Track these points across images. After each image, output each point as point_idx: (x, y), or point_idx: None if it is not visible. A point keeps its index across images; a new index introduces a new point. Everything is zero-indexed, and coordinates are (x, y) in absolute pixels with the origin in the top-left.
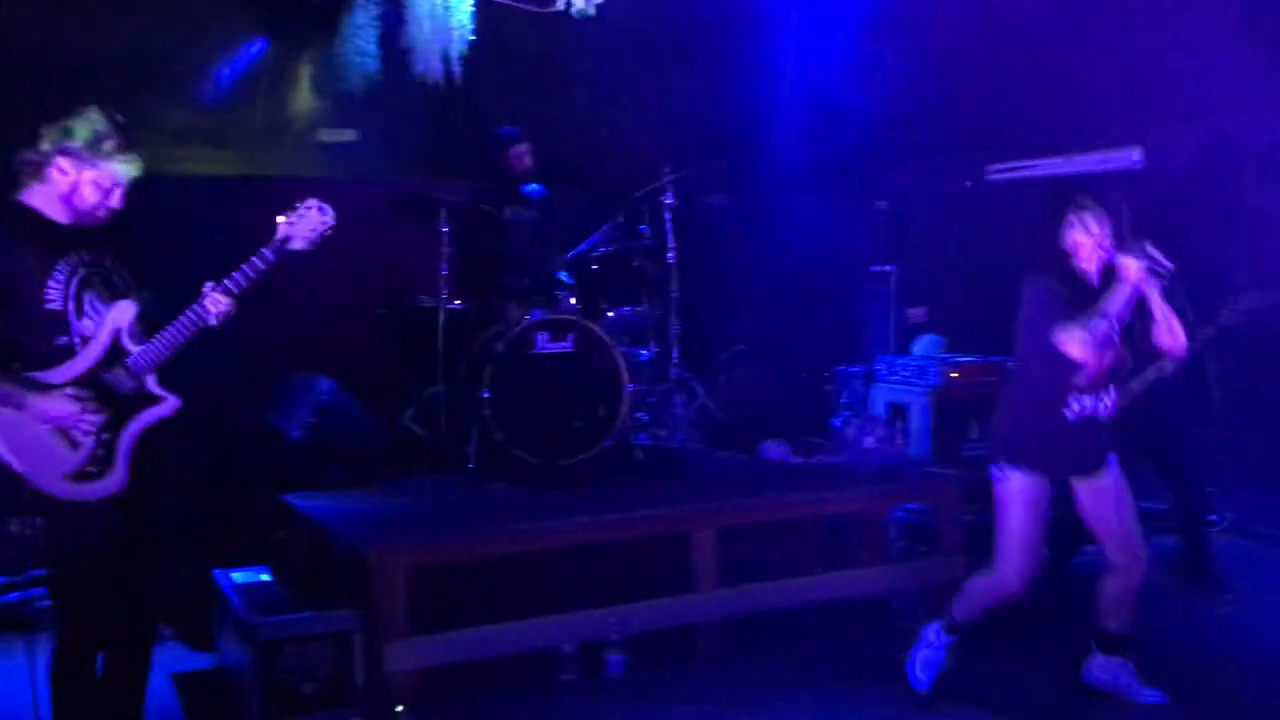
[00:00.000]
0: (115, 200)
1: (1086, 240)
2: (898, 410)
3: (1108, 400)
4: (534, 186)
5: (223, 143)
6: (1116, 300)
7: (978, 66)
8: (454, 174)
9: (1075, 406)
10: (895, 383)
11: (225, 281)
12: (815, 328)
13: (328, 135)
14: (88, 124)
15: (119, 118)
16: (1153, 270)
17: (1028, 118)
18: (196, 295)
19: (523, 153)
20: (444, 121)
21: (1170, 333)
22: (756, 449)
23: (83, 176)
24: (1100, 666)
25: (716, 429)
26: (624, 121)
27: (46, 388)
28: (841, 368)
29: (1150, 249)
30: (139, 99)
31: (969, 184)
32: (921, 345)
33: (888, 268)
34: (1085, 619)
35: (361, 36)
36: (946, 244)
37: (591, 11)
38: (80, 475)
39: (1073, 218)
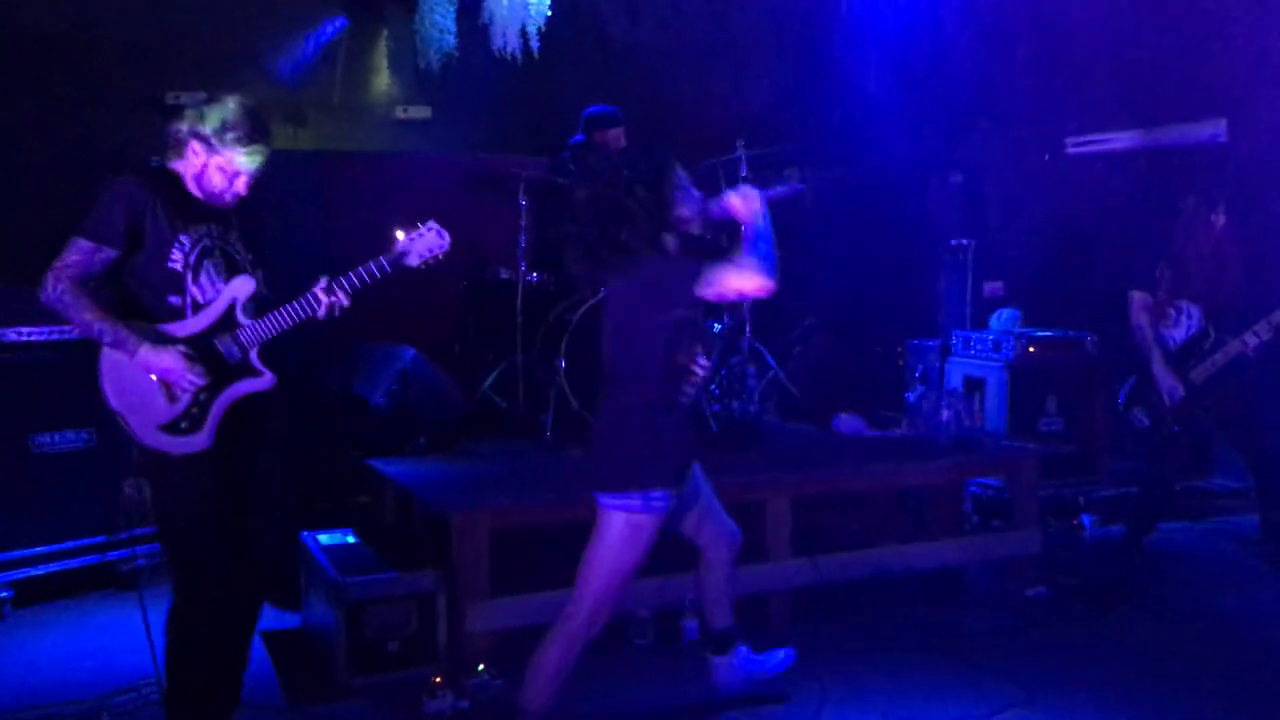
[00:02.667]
0: (240, 187)
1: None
2: (973, 384)
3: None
4: None
5: (302, 119)
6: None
7: (1056, 36)
8: (531, 149)
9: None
10: (971, 357)
11: (341, 280)
12: (889, 301)
13: (405, 111)
14: (220, 111)
15: (253, 108)
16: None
17: (1108, 89)
18: (277, 264)
19: (620, 135)
20: (522, 97)
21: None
22: (830, 421)
23: (210, 161)
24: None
25: (789, 401)
26: (699, 97)
27: (160, 339)
28: (915, 341)
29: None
30: (220, 76)
31: (1047, 157)
32: (998, 319)
33: (965, 241)
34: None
35: (439, 12)
36: (1024, 218)
37: None
38: (171, 428)
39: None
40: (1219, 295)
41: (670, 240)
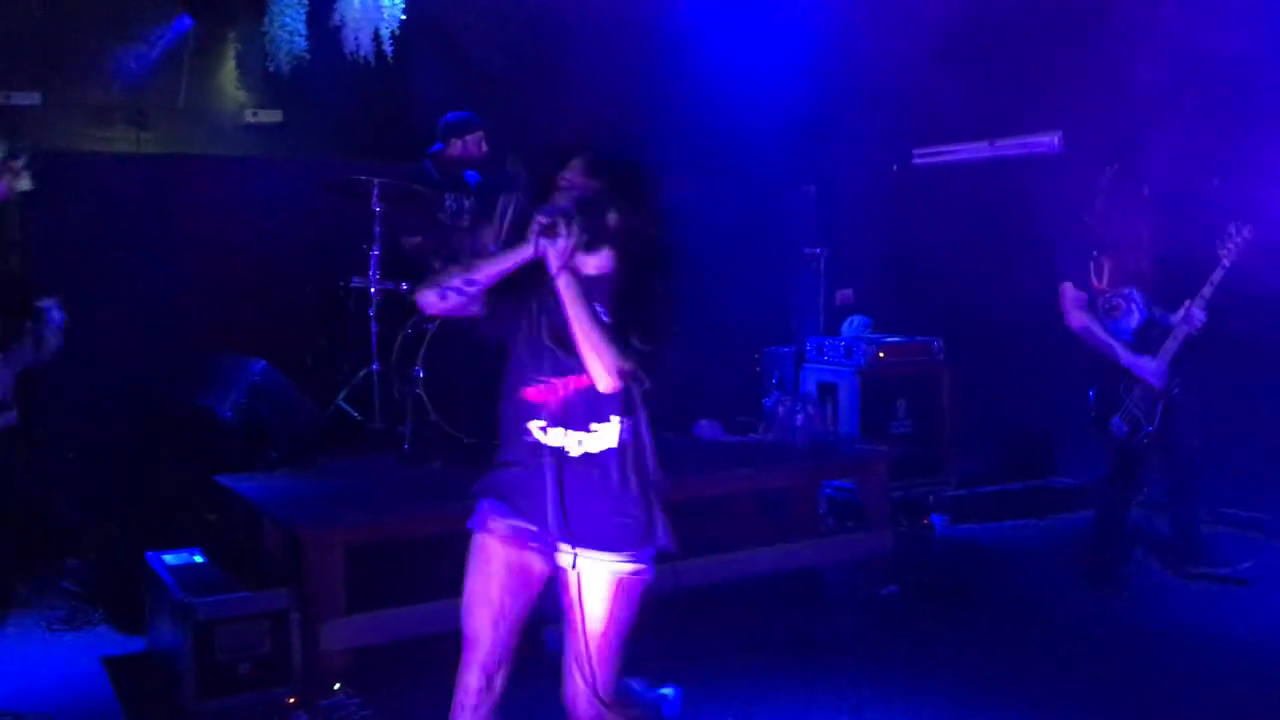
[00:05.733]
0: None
1: None
2: (827, 389)
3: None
4: (471, 172)
5: (145, 122)
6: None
7: (902, 53)
8: (386, 155)
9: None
10: (824, 363)
11: None
12: (746, 309)
13: (255, 115)
14: None
15: None
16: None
17: (952, 103)
18: (119, 271)
19: (479, 140)
20: (376, 102)
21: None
22: (690, 428)
23: None
24: None
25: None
26: (551, 106)
27: None
28: (771, 348)
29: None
30: (59, 76)
31: (894, 168)
32: (850, 326)
33: (818, 250)
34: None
35: (289, 14)
36: (874, 227)
37: None
38: None
39: None
40: (1151, 276)
41: None
